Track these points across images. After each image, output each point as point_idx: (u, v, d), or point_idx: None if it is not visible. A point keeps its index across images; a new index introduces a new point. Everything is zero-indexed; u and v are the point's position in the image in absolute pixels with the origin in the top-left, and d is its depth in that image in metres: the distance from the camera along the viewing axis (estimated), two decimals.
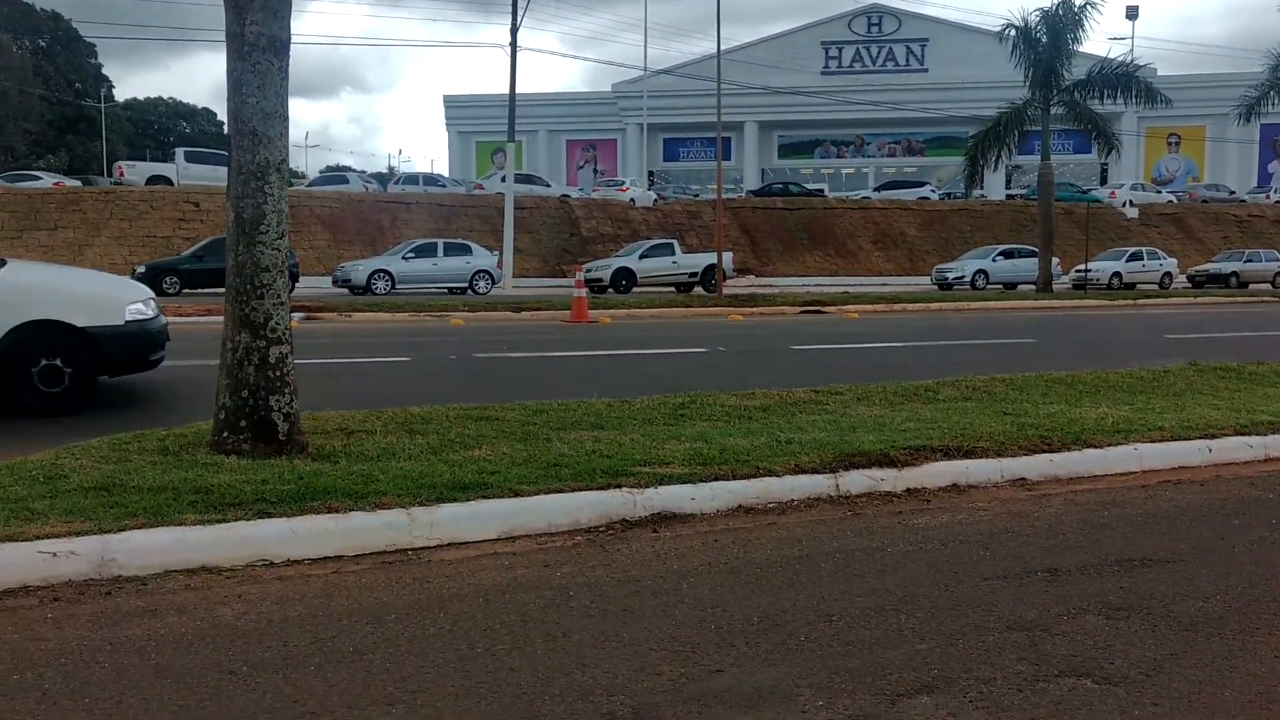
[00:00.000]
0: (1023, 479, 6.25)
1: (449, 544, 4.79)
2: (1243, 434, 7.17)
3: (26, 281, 8.66)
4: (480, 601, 3.99)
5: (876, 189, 58.18)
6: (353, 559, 4.57)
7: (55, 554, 4.22)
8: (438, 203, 42.01)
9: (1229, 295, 34.39)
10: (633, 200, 47.24)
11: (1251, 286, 38.46)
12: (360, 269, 29.39)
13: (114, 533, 4.38)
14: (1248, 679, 3.29)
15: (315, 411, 6.81)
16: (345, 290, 28.73)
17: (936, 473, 6.11)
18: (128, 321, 8.57)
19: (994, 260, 37.38)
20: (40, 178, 44.81)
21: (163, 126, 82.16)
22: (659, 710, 3.01)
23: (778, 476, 5.73)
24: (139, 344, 8.68)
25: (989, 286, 36.41)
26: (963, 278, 36.53)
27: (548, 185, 48.99)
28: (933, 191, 55.59)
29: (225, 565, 4.40)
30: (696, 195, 52.27)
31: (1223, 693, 3.18)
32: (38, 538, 4.28)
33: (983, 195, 51.85)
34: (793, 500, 5.61)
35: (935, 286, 36.57)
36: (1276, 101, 37.76)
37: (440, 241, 31.24)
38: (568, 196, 46.88)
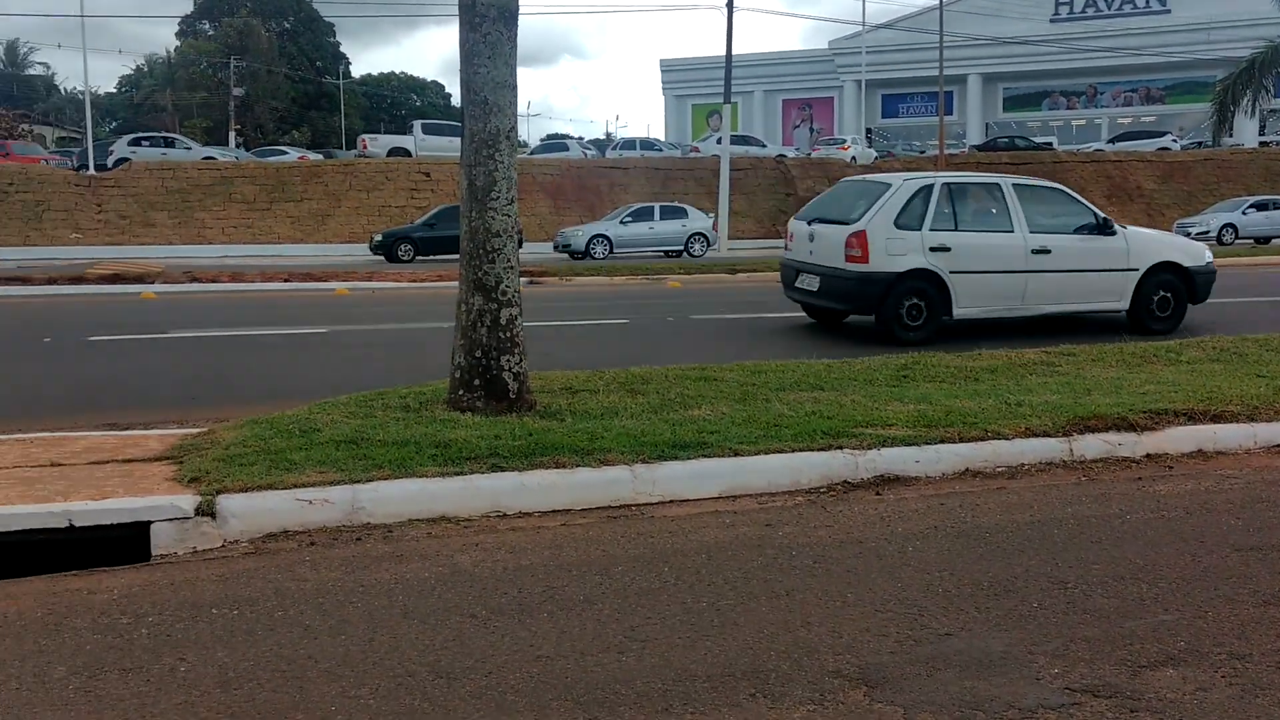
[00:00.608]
0: (1278, 446, 5.83)
1: (670, 501, 4.89)
2: None
3: (1146, 236, 12.19)
4: (704, 557, 4.05)
5: (1110, 140, 54.87)
6: (580, 513, 4.72)
7: (311, 501, 4.55)
8: (654, 166, 42.41)
9: None
10: (853, 158, 46.31)
11: None
12: (579, 234, 30.05)
13: (363, 483, 4.68)
14: None
15: (542, 371, 7.04)
16: (565, 255, 29.45)
17: (1179, 437, 5.79)
18: (1207, 263, 11.77)
19: (1244, 213, 34.70)
20: (286, 152, 47.85)
21: (395, 100, 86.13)
22: (886, 671, 3.00)
23: (1007, 440, 5.55)
24: (1209, 282, 11.84)
25: (1238, 241, 33.87)
26: (1208, 232, 34.08)
27: (763, 146, 48.59)
28: (1174, 141, 52.01)
29: (462, 515, 4.64)
30: (921, 152, 50.71)
31: None
32: (296, 486, 4.62)
33: (1237, 144, 48.12)
34: (1023, 464, 5.43)
35: None
36: None
37: (656, 205, 31.55)
38: (783, 156, 46.41)
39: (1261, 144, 52.09)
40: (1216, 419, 5.97)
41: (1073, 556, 4.01)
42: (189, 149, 42.42)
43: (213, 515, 4.42)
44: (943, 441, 5.48)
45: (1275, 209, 34.64)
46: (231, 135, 56.92)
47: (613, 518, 4.66)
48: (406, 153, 42.04)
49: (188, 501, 4.44)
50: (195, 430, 5.98)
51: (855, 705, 2.80)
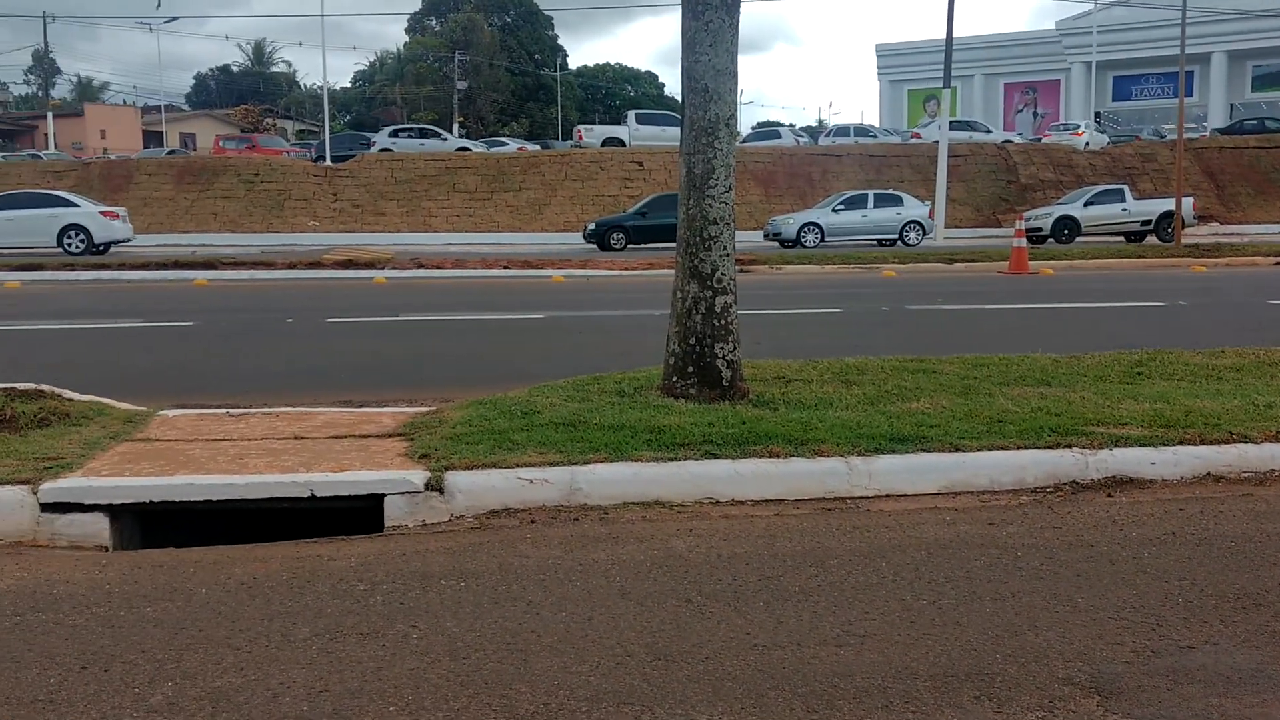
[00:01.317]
0: None
1: (886, 495, 4.79)
2: None
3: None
4: (923, 554, 3.96)
5: None
6: (793, 503, 4.69)
7: (531, 481, 4.70)
8: (868, 154, 41.61)
9: None
10: (1086, 144, 44.16)
11: None
12: (790, 222, 29.81)
13: (580, 465, 4.79)
14: None
15: (754, 360, 7.03)
16: (775, 244, 29.29)
17: None
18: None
19: None
20: (506, 143, 49.53)
21: (609, 91, 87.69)
22: (1122, 681, 2.85)
23: (1254, 443, 5.17)
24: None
25: None
26: None
27: (988, 131, 46.87)
28: None
29: (676, 501, 4.68)
30: (1163, 136, 47.77)
31: None
32: (518, 465, 4.78)
33: None
34: (1272, 470, 5.05)
35: None
36: None
37: (870, 193, 30.94)
38: (1009, 142, 44.68)
39: None
40: None
41: None
42: (444, 140, 44.62)
43: (441, 490, 4.62)
44: (1181, 443, 5.16)
45: None
46: (455, 127, 59.30)
47: (827, 510, 4.60)
48: (620, 142, 42.77)
49: (418, 476, 4.65)
50: (424, 409, 6.27)
51: (1088, 715, 2.67)
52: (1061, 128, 49.68)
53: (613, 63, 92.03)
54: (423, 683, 2.91)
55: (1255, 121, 49.16)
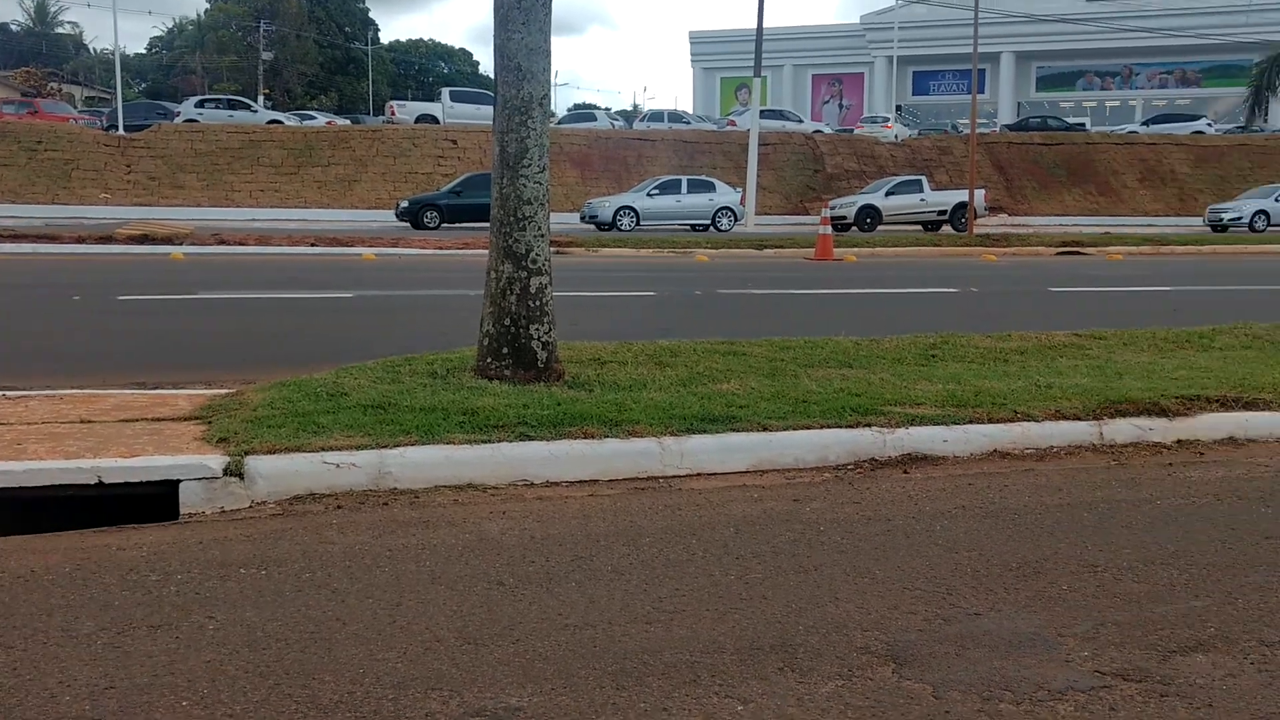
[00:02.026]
0: None
1: (698, 474, 4.88)
2: None
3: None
4: (731, 531, 4.05)
5: (1144, 123, 54.20)
6: (607, 484, 4.72)
7: (338, 465, 4.57)
8: (682, 139, 42.21)
9: None
10: (896, 136, 46.10)
11: None
12: (606, 205, 29.99)
13: (390, 448, 4.69)
14: None
15: (569, 341, 7.03)
16: (592, 226, 29.41)
17: (1212, 424, 5.73)
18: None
19: (1277, 200, 34.27)
20: (315, 117, 47.91)
21: (423, 67, 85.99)
22: (915, 648, 2.98)
23: (1036, 422, 5.51)
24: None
25: (1270, 229, 33.46)
26: (1240, 219, 33.68)
27: (799, 121, 48.24)
28: (1209, 125, 51.33)
29: (489, 483, 4.64)
30: (958, 130, 50.23)
31: None
32: (324, 449, 4.64)
33: (1262, 130, 47.40)
34: (1052, 447, 5.39)
35: (1208, 228, 33.91)
36: None
37: (684, 178, 31.42)
38: (819, 132, 46.14)
39: None
40: (1249, 406, 5.91)
41: (1102, 540, 3.98)
42: (254, 111, 42.64)
43: (241, 476, 4.44)
44: (971, 422, 5.45)
45: None
46: (261, 99, 56.99)
47: (640, 489, 4.66)
48: (434, 120, 42.04)
49: (216, 461, 4.46)
50: (223, 391, 6.01)
51: (884, 682, 2.79)
52: (872, 120, 51.68)
53: (426, 39, 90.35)
54: (219, 675, 2.79)
55: (1039, 120, 52.34)
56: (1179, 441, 5.59)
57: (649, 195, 30.26)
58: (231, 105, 42.55)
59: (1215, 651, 2.99)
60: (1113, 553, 3.83)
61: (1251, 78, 33.57)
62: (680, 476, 4.84)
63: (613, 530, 4.05)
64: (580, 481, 4.73)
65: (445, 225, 28.28)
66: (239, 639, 3.02)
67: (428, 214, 28.71)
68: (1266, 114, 36.34)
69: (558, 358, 6.09)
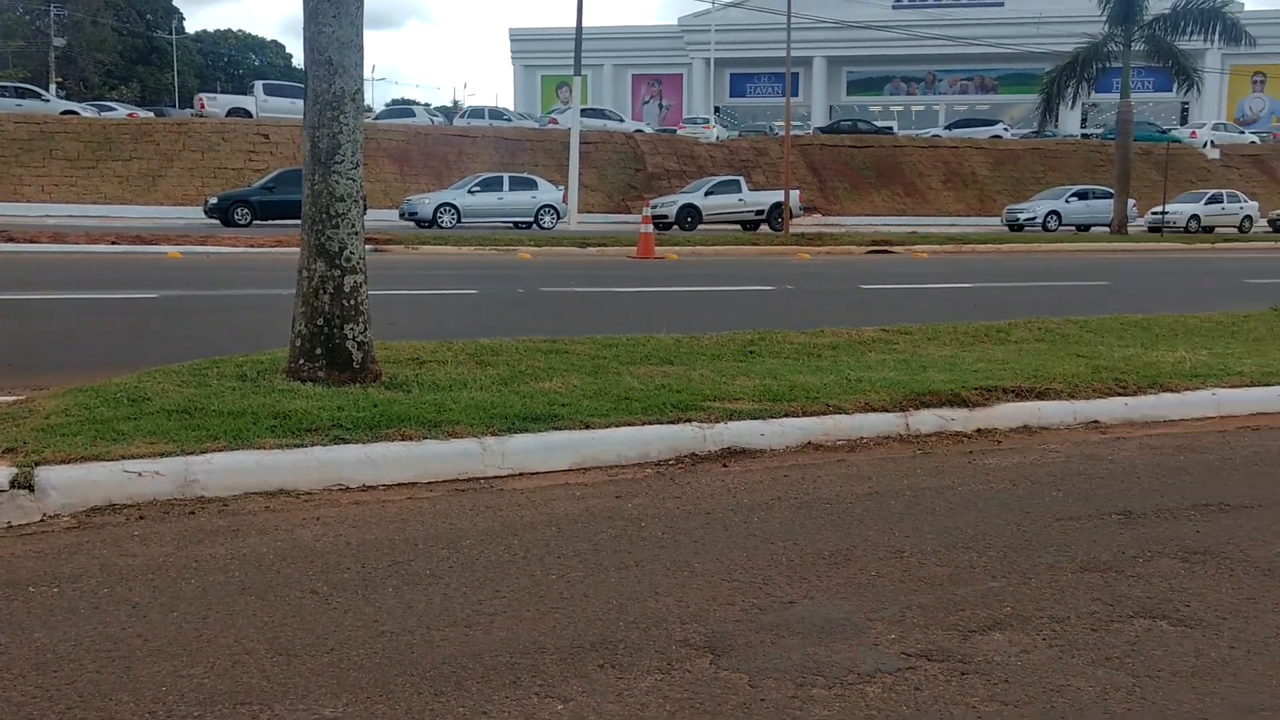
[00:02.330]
0: (1096, 422, 6.17)
1: (520, 474, 4.85)
2: None
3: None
4: (553, 530, 4.04)
5: (947, 127, 56.92)
6: (426, 486, 4.64)
7: (141, 474, 4.34)
8: (503, 136, 41.98)
9: None
10: (717, 138, 46.98)
11: None
12: (426, 202, 29.54)
13: (196, 454, 4.49)
14: None
15: (387, 341, 6.89)
16: (412, 223, 28.92)
17: (1008, 414, 6.05)
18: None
19: (1067, 201, 36.57)
20: (115, 108, 45.48)
21: (232, 59, 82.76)
22: (732, 639, 3.04)
23: (847, 414, 5.71)
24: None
25: (1062, 228, 35.65)
26: (1034, 219, 35.79)
27: (620, 120, 48.61)
28: (1005, 130, 54.31)
29: (303, 489, 4.50)
30: (774, 132, 51.57)
31: None
32: (124, 457, 4.40)
33: (1055, 134, 50.46)
34: (862, 438, 5.59)
35: (1006, 228, 35.90)
36: None
37: (506, 176, 31.26)
38: (640, 131, 46.61)
39: (1083, 136, 54.87)
40: (1041, 396, 6.27)
41: (908, 526, 4.16)
42: (46, 100, 39.98)
43: (30, 488, 4.17)
44: (787, 415, 5.60)
45: (1094, 198, 36.58)
46: (53, 87, 53.71)
47: (461, 491, 4.60)
48: (247, 113, 40.55)
49: (2, 473, 4.17)
50: (10, 398, 5.64)
51: (701, 673, 2.83)
52: (694, 121, 52.57)
53: (236, 30, 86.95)
54: (2, 704, 2.61)
55: (850, 123, 54.29)
56: (978, 430, 5.88)
57: (470, 192, 29.97)
58: (20, 94, 39.95)
59: (1011, 629, 3.16)
60: (918, 538, 4.00)
61: (1043, 86, 35.59)
62: (502, 477, 4.80)
63: (432, 533, 3.99)
64: (399, 484, 4.64)
65: (258, 222, 27.29)
66: (26, 662, 2.83)
67: (239, 211, 27.65)
68: (1057, 120, 38.67)
69: (374, 358, 5.96)
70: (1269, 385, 6.82)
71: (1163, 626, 3.21)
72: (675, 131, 49.47)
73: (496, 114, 48.25)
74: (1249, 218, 37.88)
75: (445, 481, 4.70)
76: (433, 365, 6.36)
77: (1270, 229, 38.36)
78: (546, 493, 4.59)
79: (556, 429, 5.12)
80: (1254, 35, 33.59)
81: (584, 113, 37.30)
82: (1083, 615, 3.28)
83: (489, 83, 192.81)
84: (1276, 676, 2.88)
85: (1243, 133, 55.88)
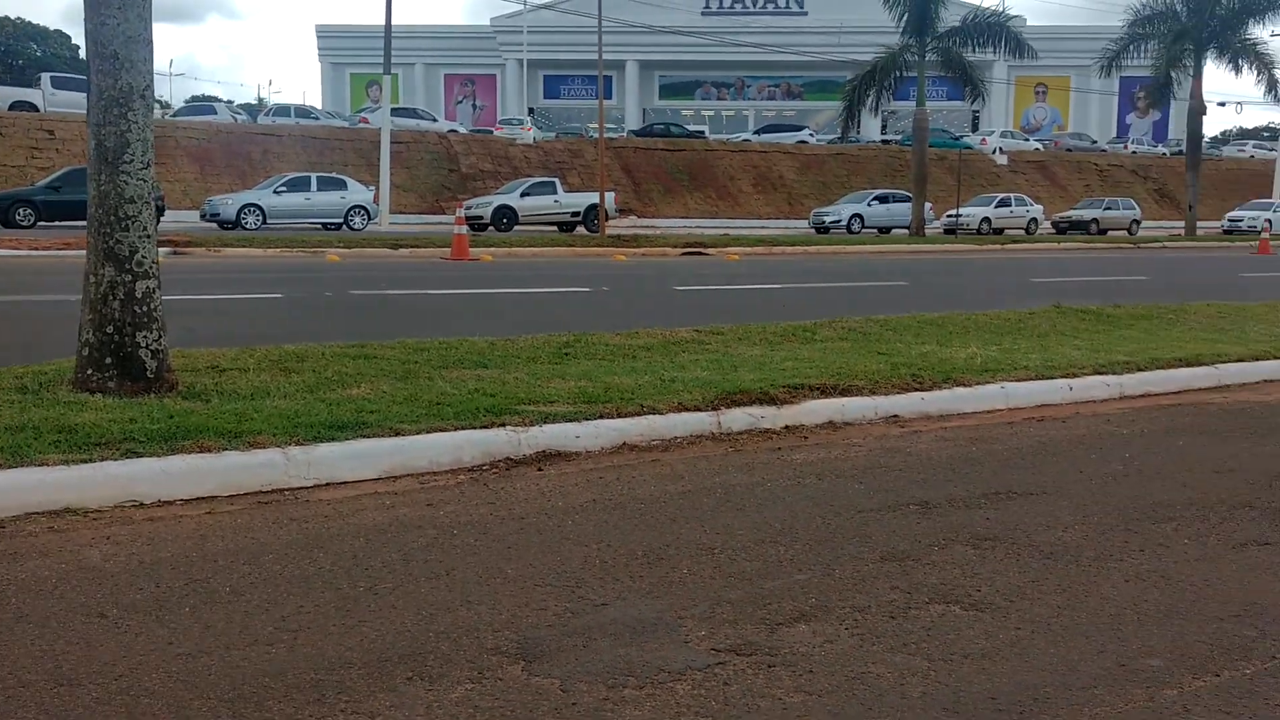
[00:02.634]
0: (896, 416, 6.43)
1: (327, 484, 4.71)
2: (1101, 373, 7.50)
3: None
4: (361, 541, 3.94)
5: (756, 132, 58.53)
6: (227, 499, 4.45)
7: None
8: (311, 135, 40.80)
9: (1089, 241, 35.77)
10: (534, 139, 46.83)
11: (1110, 233, 40.06)
12: (229, 203, 28.42)
13: None
14: (1101, 602, 3.46)
15: (185, 349, 6.59)
16: (214, 225, 27.77)
17: (814, 410, 6.24)
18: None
19: (869, 205, 38.10)
20: None
21: (10, 49, 77.54)
22: (544, 644, 3.03)
23: (661, 414, 5.77)
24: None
25: (864, 230, 37.11)
26: (839, 221, 37.15)
27: (434, 120, 47.88)
28: (811, 135, 56.18)
29: (92, 507, 4.25)
30: (590, 135, 51.78)
31: (1078, 615, 3.35)
32: None
33: (858, 140, 52.56)
34: (676, 437, 5.67)
35: (813, 230, 37.14)
36: (1135, 56, 39.20)
37: (314, 175, 30.38)
38: (454, 131, 46.06)
39: (884, 141, 57.29)
40: (845, 393, 6.49)
41: (720, 523, 4.24)
42: None
43: None
44: (602, 417, 5.62)
45: (894, 202, 38.25)
46: None
47: (264, 503, 4.43)
48: (33, 107, 38.05)
49: None
50: None
51: (513, 680, 2.81)
52: (509, 122, 52.30)
53: (14, 17, 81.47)
54: None
55: (663, 126, 55.16)
56: (787, 427, 6.05)
57: (276, 193, 29.00)
58: None
59: (816, 620, 3.26)
60: (728, 535, 4.08)
61: (845, 93, 36.99)
62: (308, 488, 4.65)
63: (232, 549, 3.82)
64: (197, 499, 4.43)
65: (43, 224, 25.66)
66: None
67: (20, 211, 25.93)
68: (859, 126, 40.29)
69: (170, 367, 5.68)
70: (1051, 378, 7.26)
71: (956, 611, 3.36)
72: (491, 132, 49.14)
73: (304, 112, 46.86)
74: (1034, 220, 40.35)
75: (247, 494, 4.52)
76: (233, 373, 6.11)
77: (1054, 230, 40.92)
78: (355, 503, 4.47)
79: (365, 437, 5.00)
80: (1036, 49, 35.82)
81: (396, 112, 36.65)
82: (882, 603, 3.41)
83: (296, 80, 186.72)
84: (1058, 654, 3.06)
85: (1027, 140, 59.48)
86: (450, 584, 3.51)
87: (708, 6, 69.01)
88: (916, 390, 6.73)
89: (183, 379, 5.74)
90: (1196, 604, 3.46)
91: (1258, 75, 38.57)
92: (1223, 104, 60.69)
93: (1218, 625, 3.28)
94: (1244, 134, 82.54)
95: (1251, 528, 4.31)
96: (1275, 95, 39.76)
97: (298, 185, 29.40)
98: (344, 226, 29.03)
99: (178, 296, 11.88)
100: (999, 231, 38.36)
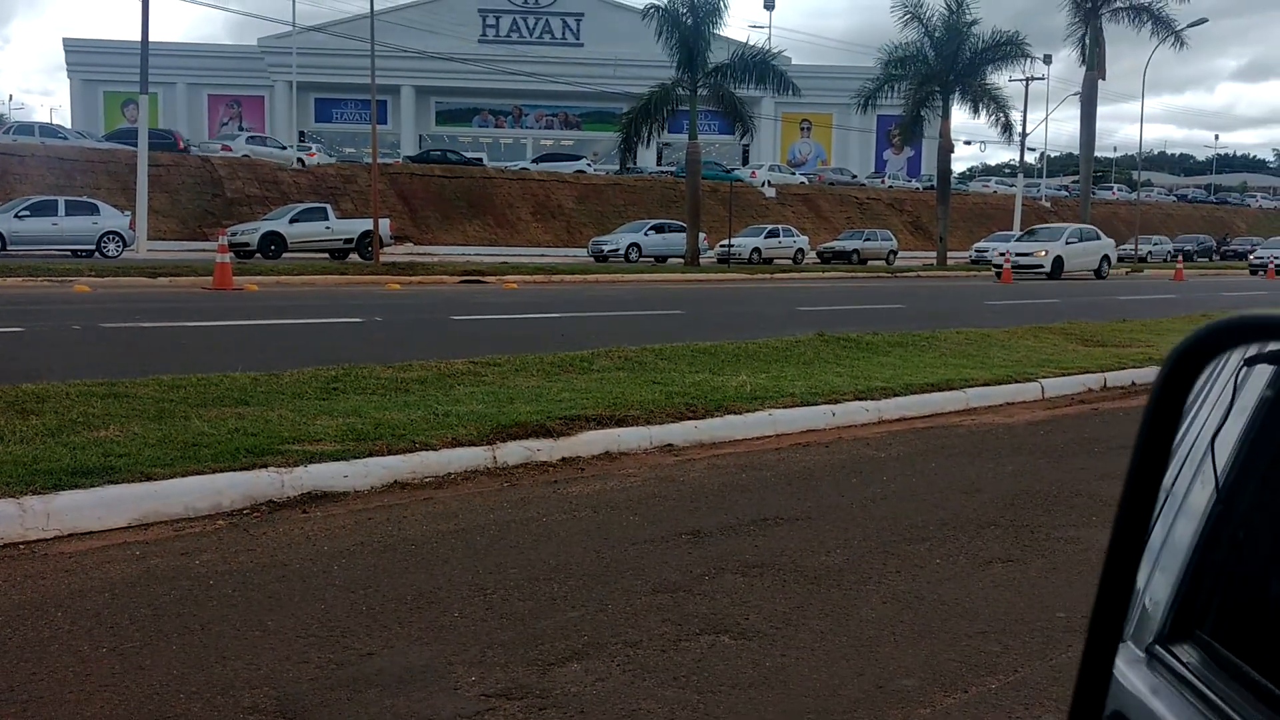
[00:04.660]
0: (670, 445, 6.54)
1: (70, 535, 4.38)
2: (861, 399, 7.87)
3: None
4: (106, 597, 3.67)
5: (535, 160, 58.73)
6: None
7: None
8: (59, 156, 38.17)
9: (851, 270, 37.62)
10: (300, 161, 45.25)
11: (870, 262, 42.26)
12: None
13: None
14: (860, 624, 3.61)
15: None
16: None
17: (590, 441, 6.27)
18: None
19: (646, 234, 38.80)
20: None
21: None
22: (306, 700, 2.90)
23: (435, 450, 5.66)
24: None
25: (642, 259, 37.78)
26: (617, 250, 37.66)
27: (186, 151, 45.32)
28: (588, 165, 56.85)
29: None
30: (365, 160, 50.60)
31: (839, 639, 3.47)
32: None
33: (636, 170, 53.63)
34: (450, 474, 5.57)
35: (592, 259, 37.50)
36: (889, 95, 41.69)
37: (61, 199, 28.40)
38: (228, 151, 44.08)
39: (660, 173, 58.61)
40: (620, 423, 6.55)
41: (493, 562, 4.18)
42: None
43: None
44: (371, 455, 5.46)
45: (670, 231, 39.11)
46: None
47: None
48: None
49: None
50: None
51: None
52: (278, 145, 50.51)
53: None
54: None
55: (440, 153, 54.59)
56: (563, 459, 6.04)
57: (18, 217, 26.94)
58: None
59: (588, 659, 3.25)
60: (501, 574, 4.03)
61: (621, 125, 37.68)
62: (47, 540, 4.31)
63: None
64: None
65: None
66: None
67: None
68: (635, 157, 41.06)
69: None
70: (815, 404, 7.56)
71: (725, 641, 3.43)
72: (265, 156, 47.31)
73: (50, 131, 43.81)
74: (801, 250, 42.10)
75: None
76: None
77: (819, 260, 42.84)
78: (101, 554, 4.17)
79: (113, 483, 4.67)
80: (801, 87, 37.55)
81: (153, 135, 34.76)
82: (654, 637, 3.44)
83: (46, 97, 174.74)
84: (820, 679, 3.16)
85: (794, 174, 62.11)
86: (205, 639, 3.31)
87: (484, 34, 68.93)
88: (690, 419, 6.87)
89: None
90: (947, 622, 3.65)
91: (994, 117, 41.69)
92: (969, 142, 65.42)
93: (966, 642, 3.47)
94: (988, 170, 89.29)
95: (996, 546, 4.60)
96: (1009, 135, 43.12)
97: (43, 209, 27.41)
98: (96, 254, 27.27)
99: None
100: (769, 261, 39.80)
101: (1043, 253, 32.79)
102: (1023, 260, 32.33)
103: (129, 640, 3.29)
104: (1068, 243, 33.60)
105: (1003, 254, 31.59)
